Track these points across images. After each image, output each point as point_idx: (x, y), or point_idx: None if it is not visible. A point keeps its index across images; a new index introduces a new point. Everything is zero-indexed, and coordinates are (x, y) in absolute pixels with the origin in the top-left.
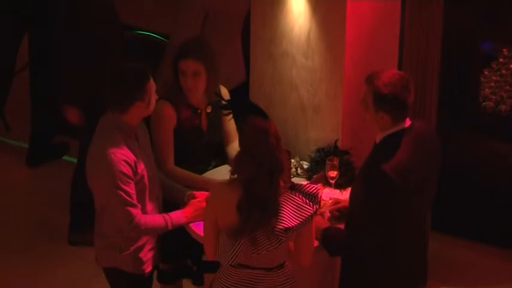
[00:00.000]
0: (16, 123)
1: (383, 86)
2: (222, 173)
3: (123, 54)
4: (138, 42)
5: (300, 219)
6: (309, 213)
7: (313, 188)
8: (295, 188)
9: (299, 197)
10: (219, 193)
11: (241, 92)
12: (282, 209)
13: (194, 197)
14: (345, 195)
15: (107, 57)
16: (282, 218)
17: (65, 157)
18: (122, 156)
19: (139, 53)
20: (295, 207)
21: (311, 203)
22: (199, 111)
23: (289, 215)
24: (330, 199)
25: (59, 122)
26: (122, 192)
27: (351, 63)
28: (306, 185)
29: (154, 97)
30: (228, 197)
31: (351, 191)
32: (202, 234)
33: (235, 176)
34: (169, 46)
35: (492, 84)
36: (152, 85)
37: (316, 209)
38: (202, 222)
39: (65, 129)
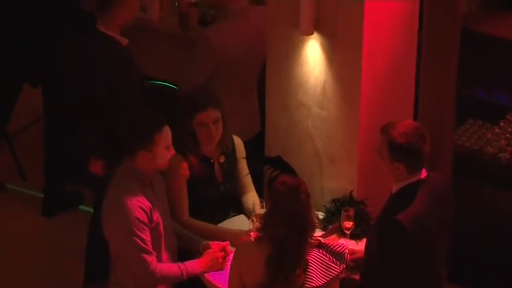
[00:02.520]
0: (32, 172)
1: (398, 136)
2: (237, 223)
3: (141, 103)
4: (155, 92)
5: (327, 278)
6: (336, 273)
7: (340, 248)
8: (322, 246)
9: (326, 256)
10: (246, 250)
11: (256, 142)
12: (310, 267)
13: (209, 247)
14: (360, 245)
15: (126, 106)
16: (310, 276)
17: (81, 206)
18: (137, 203)
19: (157, 103)
20: (323, 266)
21: (338, 262)
22: (212, 161)
23: (317, 274)
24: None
25: (73, 172)
26: (137, 239)
27: (366, 114)
28: (333, 243)
29: (167, 151)
30: (256, 254)
31: (366, 241)
32: (217, 284)
33: (263, 232)
34: (180, 96)
35: (508, 135)
36: (163, 138)
37: (343, 268)
38: (217, 272)
39: (80, 178)
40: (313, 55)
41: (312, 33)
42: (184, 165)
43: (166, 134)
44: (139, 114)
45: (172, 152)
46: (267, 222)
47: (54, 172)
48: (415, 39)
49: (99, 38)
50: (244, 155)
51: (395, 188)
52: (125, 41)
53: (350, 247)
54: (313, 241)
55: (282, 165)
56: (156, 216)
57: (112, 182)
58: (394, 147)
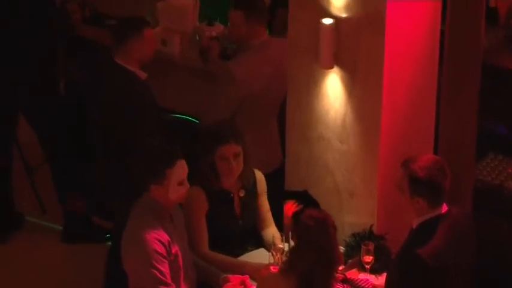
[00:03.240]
0: (52, 205)
1: (419, 170)
2: (257, 256)
3: (159, 137)
4: (176, 125)
5: None
6: None
7: (365, 283)
8: (347, 281)
9: None
10: (271, 284)
11: (276, 176)
12: None
13: (229, 281)
14: (380, 280)
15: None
16: None
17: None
18: (156, 235)
19: (177, 136)
20: None
21: None
22: (231, 195)
23: None
24: None
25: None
26: (155, 271)
27: (386, 148)
28: (358, 279)
29: (180, 186)
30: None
31: (387, 276)
32: None
33: (289, 266)
34: (201, 129)
35: None
36: (175, 173)
37: None
38: None
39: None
40: (333, 88)
41: (332, 67)
42: (204, 197)
43: (180, 169)
44: (154, 147)
45: (186, 187)
46: (293, 256)
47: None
48: (435, 72)
49: (116, 71)
50: (265, 189)
51: (416, 223)
52: (143, 75)
53: (371, 282)
54: (338, 275)
55: (306, 199)
56: (175, 249)
57: (131, 214)
58: (414, 181)
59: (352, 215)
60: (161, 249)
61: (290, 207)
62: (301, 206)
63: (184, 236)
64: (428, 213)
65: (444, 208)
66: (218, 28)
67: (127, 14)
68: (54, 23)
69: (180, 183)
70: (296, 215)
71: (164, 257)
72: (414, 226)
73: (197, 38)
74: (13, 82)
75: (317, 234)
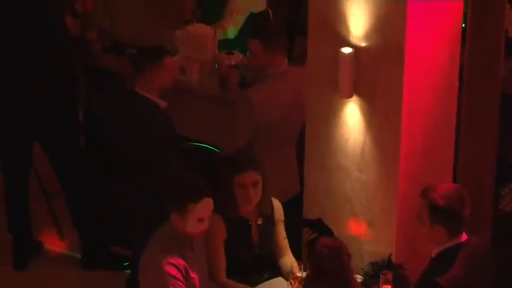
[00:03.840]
0: (71, 232)
1: (439, 198)
2: (274, 285)
3: (179, 165)
4: (195, 153)
5: None
6: None
7: None
8: None
9: None
10: None
11: (294, 204)
12: None
13: None
14: None
15: (164, 168)
16: None
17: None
18: (172, 260)
19: (197, 164)
20: None
21: None
22: (249, 223)
23: None
24: None
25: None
26: None
27: (405, 177)
28: None
29: (200, 223)
30: None
31: None
32: None
33: None
34: (221, 157)
35: None
36: (198, 210)
37: None
38: None
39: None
40: (352, 118)
41: (351, 96)
42: (222, 225)
43: (203, 207)
44: (184, 178)
45: (206, 225)
46: (308, 285)
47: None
48: (455, 101)
49: (136, 100)
50: (282, 218)
51: (435, 251)
52: (162, 104)
53: None
54: None
55: (321, 228)
56: (193, 275)
57: (150, 240)
58: (434, 209)
59: (370, 244)
60: (177, 273)
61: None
62: (315, 234)
63: (203, 265)
64: (448, 242)
65: (464, 237)
66: (237, 57)
67: (147, 43)
68: (74, 52)
69: (201, 220)
70: (311, 244)
71: (180, 281)
72: (433, 255)
73: (216, 66)
74: (32, 112)
75: (331, 262)
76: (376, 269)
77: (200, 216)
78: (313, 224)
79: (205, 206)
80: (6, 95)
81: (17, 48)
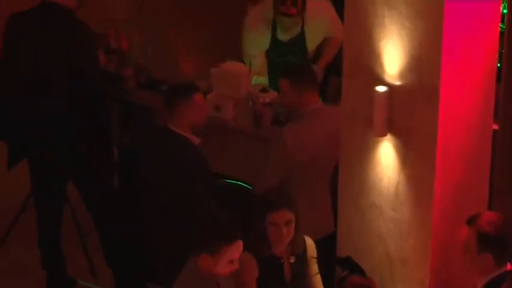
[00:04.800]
0: (104, 269)
1: (487, 225)
2: None
3: (213, 202)
4: (229, 190)
5: None
6: None
7: None
8: None
9: None
10: None
11: (328, 242)
12: None
13: None
14: None
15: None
16: None
17: None
18: None
19: (228, 202)
20: None
21: None
22: (282, 261)
23: None
24: None
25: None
26: None
27: (439, 216)
28: None
29: (230, 264)
30: None
31: None
32: None
33: None
34: (253, 195)
35: None
36: (230, 252)
37: None
38: None
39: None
40: (386, 156)
41: (385, 135)
42: (254, 264)
43: (235, 249)
44: (218, 218)
45: (235, 266)
46: None
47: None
48: (489, 139)
49: (169, 136)
50: (315, 255)
51: (481, 283)
52: (196, 140)
53: None
54: None
55: (351, 266)
56: None
57: (177, 279)
58: (483, 236)
59: (403, 284)
60: None
61: None
62: (346, 272)
63: None
64: (494, 271)
65: (508, 266)
66: (271, 94)
67: (182, 80)
68: (108, 89)
69: (231, 262)
70: (341, 282)
71: None
72: (479, 286)
73: (250, 103)
74: (65, 150)
75: None
76: None
77: (232, 257)
78: (343, 261)
79: (238, 248)
80: (39, 133)
81: (49, 84)
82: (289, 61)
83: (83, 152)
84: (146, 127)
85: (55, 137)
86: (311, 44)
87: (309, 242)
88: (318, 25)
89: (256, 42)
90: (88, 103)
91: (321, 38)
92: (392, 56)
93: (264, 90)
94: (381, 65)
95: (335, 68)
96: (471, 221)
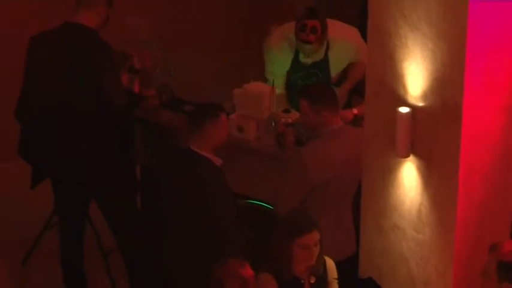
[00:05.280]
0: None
1: (509, 254)
2: None
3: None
4: (250, 211)
5: None
6: None
7: None
8: None
9: None
10: None
11: (349, 263)
12: None
13: None
14: None
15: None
16: None
17: None
18: None
19: (250, 223)
20: None
21: None
22: (302, 281)
23: None
24: None
25: None
26: None
27: (461, 238)
28: None
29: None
30: None
31: None
32: None
33: None
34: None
35: None
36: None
37: None
38: None
39: None
40: (409, 177)
41: (408, 156)
42: (275, 285)
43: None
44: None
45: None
46: None
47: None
48: None
49: (192, 157)
50: (335, 276)
51: None
52: (218, 161)
53: None
54: None
55: (371, 287)
56: None
57: None
58: (504, 266)
59: None
60: None
61: None
62: None
63: None
64: None
65: None
66: (294, 115)
67: (204, 100)
68: (130, 108)
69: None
70: None
71: None
72: None
73: (273, 124)
74: (87, 169)
75: None
76: None
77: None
78: (364, 283)
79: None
80: (61, 152)
81: (72, 104)
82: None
83: (105, 172)
84: (168, 147)
85: (78, 157)
86: (335, 69)
87: (330, 262)
88: (343, 50)
89: (279, 62)
90: (111, 123)
91: (346, 63)
92: (415, 77)
93: (286, 110)
94: (403, 86)
95: (358, 88)
96: (493, 248)
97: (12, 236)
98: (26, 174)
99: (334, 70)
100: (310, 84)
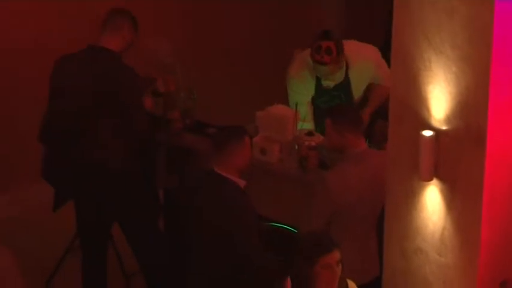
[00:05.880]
0: None
1: None
2: None
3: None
4: (272, 234)
5: None
6: None
7: None
8: None
9: None
10: None
11: (372, 286)
12: None
13: None
14: None
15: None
16: None
17: None
18: None
19: (273, 247)
20: None
21: None
22: None
23: None
24: None
25: None
26: None
27: (484, 263)
28: None
29: None
30: None
31: None
32: None
33: None
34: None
35: None
36: None
37: None
38: None
39: None
40: (432, 201)
41: (431, 179)
42: None
43: None
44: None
45: None
46: None
47: None
48: None
49: (215, 179)
50: None
51: None
52: (242, 183)
53: None
54: None
55: None
56: None
57: None
58: None
59: None
60: None
61: None
62: None
63: None
64: None
65: None
66: (317, 138)
67: (227, 123)
68: (153, 131)
69: None
70: None
71: None
72: None
73: (296, 147)
74: (110, 193)
75: None
76: None
77: None
78: None
79: None
80: (84, 175)
81: (95, 127)
82: None
83: (128, 195)
84: (192, 170)
85: (100, 180)
86: (356, 91)
87: (352, 285)
88: (363, 69)
89: (301, 90)
90: (134, 146)
91: (367, 82)
92: (439, 100)
93: (309, 133)
94: (427, 109)
95: (381, 111)
96: (503, 284)
97: (35, 258)
98: (48, 196)
99: (356, 91)
100: (336, 105)
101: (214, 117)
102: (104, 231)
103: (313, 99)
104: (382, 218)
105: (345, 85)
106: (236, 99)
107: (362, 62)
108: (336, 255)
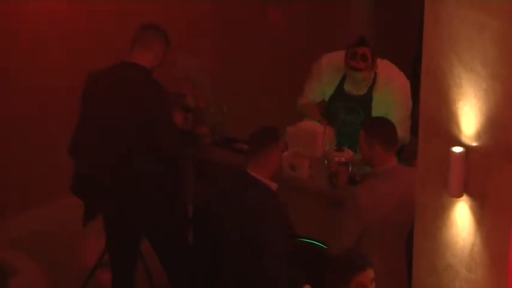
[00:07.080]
0: None
1: None
2: None
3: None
4: (302, 250)
5: None
6: None
7: None
8: None
9: None
10: None
11: None
12: None
13: None
14: None
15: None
16: None
17: None
18: None
19: (301, 263)
20: None
21: None
22: None
23: None
24: None
25: None
26: None
27: None
28: None
29: None
30: None
31: None
32: None
33: None
34: (330, 256)
35: None
36: None
37: None
38: None
39: None
40: (462, 217)
41: (461, 196)
42: None
43: None
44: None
45: None
46: None
47: None
48: None
49: (248, 180)
50: None
51: None
52: (274, 186)
53: None
54: None
55: None
56: None
57: None
58: None
59: None
60: None
61: None
62: None
63: None
64: None
65: None
66: (347, 154)
67: None
68: (183, 146)
69: None
70: None
71: None
72: None
73: (326, 162)
74: (140, 207)
75: None
76: None
77: None
78: None
79: None
80: (113, 189)
81: (126, 143)
82: (352, 120)
83: (158, 210)
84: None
85: (130, 195)
86: (376, 109)
87: None
88: (387, 94)
89: (323, 80)
90: (163, 162)
91: (388, 107)
92: (469, 117)
93: (339, 149)
94: (457, 125)
95: (411, 128)
96: None
97: (65, 273)
98: (78, 212)
99: (376, 110)
100: (374, 117)
101: (243, 132)
102: (132, 246)
103: (330, 101)
104: (411, 235)
105: (365, 99)
106: (266, 115)
107: (389, 86)
108: (370, 273)
